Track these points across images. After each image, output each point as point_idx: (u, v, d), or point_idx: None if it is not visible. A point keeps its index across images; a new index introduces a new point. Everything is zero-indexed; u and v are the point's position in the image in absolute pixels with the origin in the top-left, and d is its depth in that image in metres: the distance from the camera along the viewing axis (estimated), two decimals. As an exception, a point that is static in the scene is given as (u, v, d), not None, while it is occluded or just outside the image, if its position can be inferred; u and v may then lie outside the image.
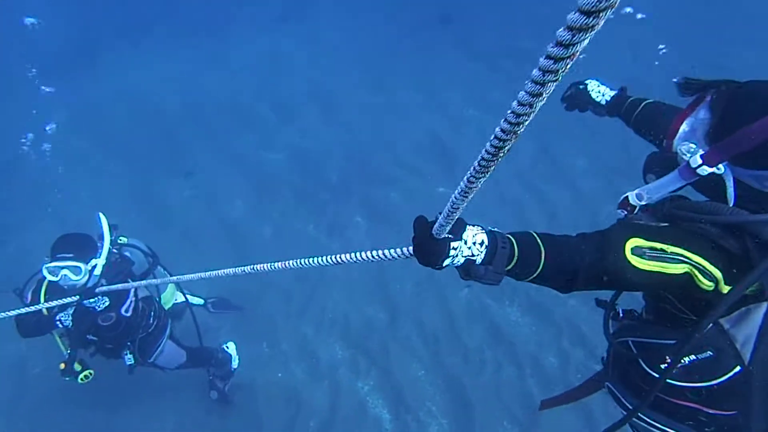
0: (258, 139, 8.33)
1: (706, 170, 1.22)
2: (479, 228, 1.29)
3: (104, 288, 3.29)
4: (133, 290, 3.71)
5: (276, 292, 5.85)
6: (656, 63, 7.93)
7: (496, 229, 1.33)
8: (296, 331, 5.43)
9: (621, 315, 1.70)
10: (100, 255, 3.49)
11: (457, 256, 1.24)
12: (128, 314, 3.69)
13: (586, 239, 1.31)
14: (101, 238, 3.56)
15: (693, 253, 1.22)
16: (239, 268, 1.88)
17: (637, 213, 1.42)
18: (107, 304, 3.49)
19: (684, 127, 1.31)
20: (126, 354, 3.82)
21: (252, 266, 1.78)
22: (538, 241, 1.30)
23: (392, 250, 1.40)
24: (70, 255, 3.39)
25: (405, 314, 5.52)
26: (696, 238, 1.25)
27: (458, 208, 1.08)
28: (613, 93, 2.17)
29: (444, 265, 1.25)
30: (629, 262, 1.22)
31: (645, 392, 1.45)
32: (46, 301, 3.46)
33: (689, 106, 1.32)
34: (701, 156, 1.22)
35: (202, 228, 6.74)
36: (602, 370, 1.82)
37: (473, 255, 1.26)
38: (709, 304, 1.25)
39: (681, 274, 1.22)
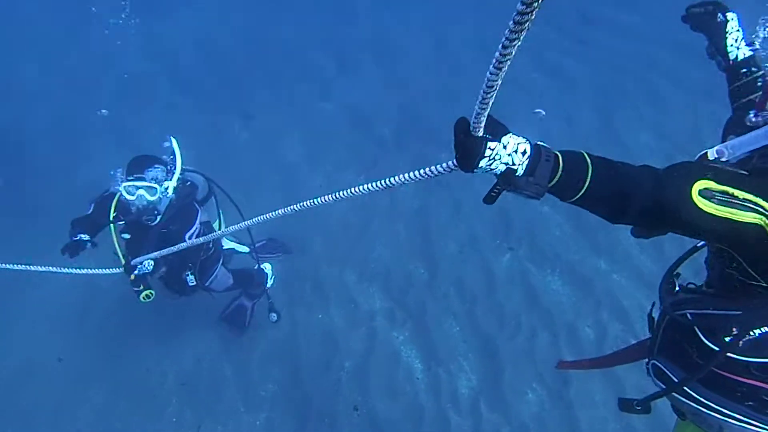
0: (317, 88, 8.40)
1: None
2: (523, 138, 1.21)
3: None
4: (198, 217, 3.91)
5: (322, 239, 6.05)
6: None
7: (542, 143, 1.24)
8: (339, 278, 5.63)
9: (678, 289, 1.58)
10: (172, 177, 3.67)
11: (494, 160, 1.17)
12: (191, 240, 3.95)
13: (649, 168, 1.22)
14: (172, 161, 3.73)
15: (762, 199, 1.12)
16: (295, 205, 1.95)
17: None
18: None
19: None
20: (188, 275, 4.06)
21: (306, 202, 1.83)
22: (587, 158, 1.22)
23: (437, 166, 1.39)
24: (147, 176, 3.57)
25: (445, 272, 5.61)
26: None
27: (487, 103, 1.08)
28: (749, 53, 1.82)
29: (479, 166, 1.18)
30: (694, 202, 1.13)
31: (699, 366, 1.35)
32: (115, 216, 3.70)
33: None
34: None
35: (256, 171, 6.96)
36: (641, 345, 1.71)
37: (514, 164, 1.18)
38: None
39: (751, 224, 1.12)
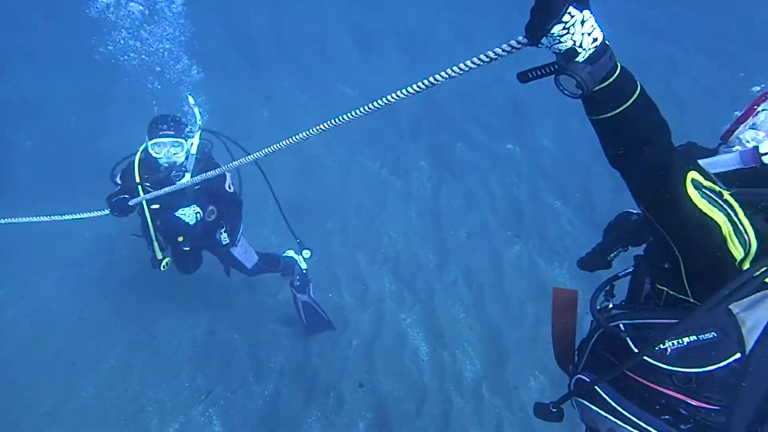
0: (337, 72, 8.48)
1: None
2: (598, 26, 1.09)
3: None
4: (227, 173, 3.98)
5: (336, 220, 6.18)
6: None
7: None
8: (351, 259, 5.76)
9: (611, 306, 1.52)
10: (194, 134, 3.72)
11: (568, 31, 1.05)
12: (231, 189, 4.05)
13: (670, 133, 1.21)
14: (192, 119, 3.77)
15: (742, 210, 1.15)
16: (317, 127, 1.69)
17: None
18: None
19: (761, 117, 1.28)
20: (221, 233, 4.12)
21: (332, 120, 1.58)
22: (638, 82, 1.17)
23: (503, 45, 1.21)
24: (172, 132, 3.61)
25: (454, 260, 5.72)
26: (749, 204, 1.19)
27: None
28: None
29: (551, 32, 1.05)
30: (686, 186, 1.14)
31: (614, 366, 1.34)
32: (140, 179, 3.71)
33: (750, 107, 1.27)
34: None
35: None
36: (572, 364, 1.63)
37: (581, 46, 1.07)
38: (720, 282, 1.16)
39: (719, 228, 1.13)
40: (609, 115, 1.15)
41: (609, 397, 1.36)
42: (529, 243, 5.83)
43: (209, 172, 2.39)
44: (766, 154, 1.15)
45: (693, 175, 1.15)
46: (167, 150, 3.63)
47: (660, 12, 9.01)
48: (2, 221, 3.35)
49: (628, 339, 1.31)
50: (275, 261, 4.78)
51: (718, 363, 1.18)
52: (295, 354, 4.81)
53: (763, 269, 1.12)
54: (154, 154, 3.64)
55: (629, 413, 1.32)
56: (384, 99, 1.46)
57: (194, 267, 4.35)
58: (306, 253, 4.76)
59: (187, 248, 4.01)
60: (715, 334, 1.19)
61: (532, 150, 7.27)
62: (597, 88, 1.12)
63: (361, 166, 6.99)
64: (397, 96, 1.45)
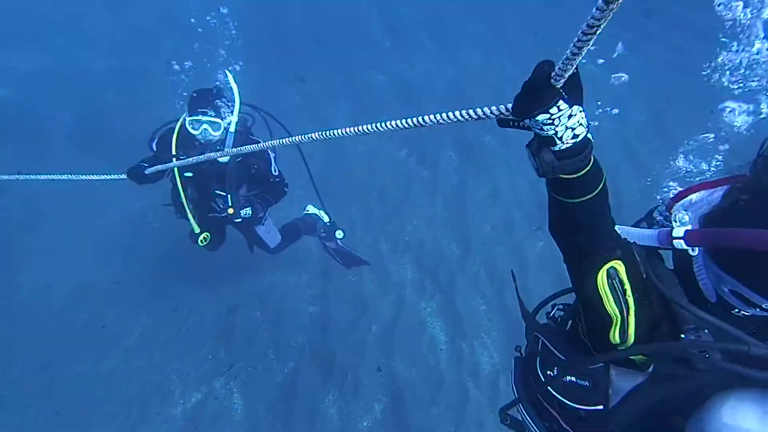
0: (368, 57, 8.48)
1: (681, 245, 1.15)
2: (586, 124, 1.07)
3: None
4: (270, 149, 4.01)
5: (359, 208, 6.22)
6: None
7: (591, 137, 1.12)
8: (373, 245, 5.81)
9: (553, 315, 1.70)
10: (233, 113, 3.72)
11: (552, 122, 1.03)
12: (276, 173, 4.10)
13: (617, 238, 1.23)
14: (231, 96, 3.76)
15: (635, 311, 1.18)
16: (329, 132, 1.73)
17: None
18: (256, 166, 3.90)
19: (693, 197, 1.25)
20: (248, 210, 4.12)
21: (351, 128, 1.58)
22: (602, 182, 1.15)
23: (487, 108, 1.22)
24: (210, 111, 3.63)
25: (477, 251, 5.72)
26: (648, 305, 1.21)
27: (581, 50, 0.96)
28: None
29: (536, 118, 1.03)
30: (597, 277, 1.17)
31: (531, 388, 1.52)
32: (177, 149, 3.75)
33: (713, 181, 1.23)
34: (686, 231, 1.15)
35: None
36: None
37: (560, 139, 1.05)
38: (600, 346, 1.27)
39: (609, 317, 1.19)
40: (560, 198, 1.16)
41: (528, 415, 1.53)
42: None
43: (243, 147, 2.39)
44: (676, 238, 1.15)
45: (614, 264, 1.17)
46: (204, 128, 3.66)
47: None
48: (25, 177, 3.43)
49: (537, 358, 1.49)
50: (296, 232, 4.87)
51: (585, 406, 1.34)
52: (315, 335, 4.90)
53: (630, 353, 1.20)
54: (191, 131, 3.68)
55: (530, 416, 1.51)
56: (370, 126, 1.52)
57: (218, 243, 4.43)
58: (339, 234, 4.83)
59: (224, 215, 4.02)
60: (588, 384, 1.34)
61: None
62: (567, 177, 1.11)
63: (389, 154, 7.00)
64: (382, 127, 1.49)
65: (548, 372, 1.44)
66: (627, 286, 1.17)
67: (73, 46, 8.09)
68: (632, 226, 1.39)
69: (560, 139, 1.05)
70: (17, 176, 3.42)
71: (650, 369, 1.22)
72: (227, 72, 3.79)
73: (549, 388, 1.41)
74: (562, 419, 1.42)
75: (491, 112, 1.20)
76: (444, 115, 1.33)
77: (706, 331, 1.11)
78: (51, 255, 5.28)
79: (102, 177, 3.51)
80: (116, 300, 4.97)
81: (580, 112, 1.06)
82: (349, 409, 4.38)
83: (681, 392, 1.18)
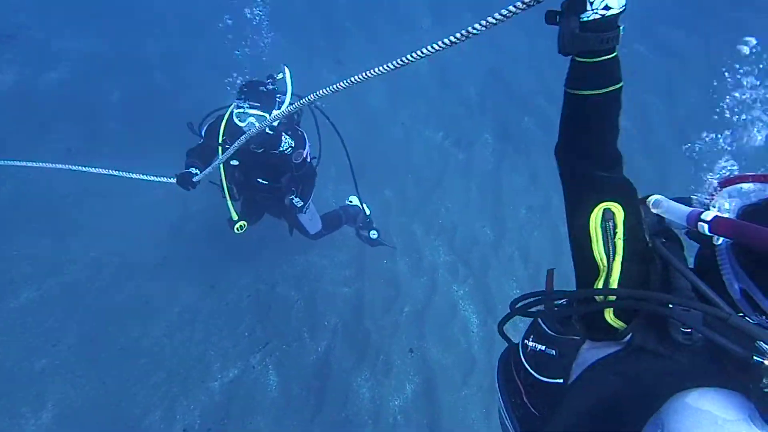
0: (409, 40, 8.39)
1: (704, 230, 1.06)
2: (623, 2, 1.05)
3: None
4: (306, 138, 4.05)
5: (393, 190, 6.23)
6: None
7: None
8: (407, 228, 5.82)
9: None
10: (281, 107, 3.70)
11: None
12: (309, 159, 4.16)
13: (619, 156, 1.20)
14: (284, 90, 3.74)
15: (620, 264, 1.12)
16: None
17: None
18: (292, 147, 3.88)
19: (744, 186, 1.15)
20: (294, 198, 4.23)
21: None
22: (621, 83, 1.13)
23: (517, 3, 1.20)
24: (258, 104, 3.65)
25: (512, 236, 5.66)
26: (639, 262, 1.14)
27: None
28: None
29: None
30: (590, 214, 1.15)
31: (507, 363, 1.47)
32: (223, 138, 3.82)
33: (748, 176, 1.15)
34: (715, 216, 1.05)
35: (339, 113, 7.18)
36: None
37: (591, 3, 1.03)
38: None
39: (596, 264, 1.14)
40: (573, 91, 1.13)
41: (498, 388, 1.49)
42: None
43: (271, 117, 2.34)
44: (702, 221, 1.06)
45: (612, 206, 1.13)
46: (250, 120, 3.68)
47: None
48: (77, 168, 3.57)
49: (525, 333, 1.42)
50: (337, 222, 4.94)
51: (545, 377, 1.27)
52: (349, 316, 4.98)
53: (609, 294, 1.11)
54: (238, 122, 3.71)
55: (499, 380, 1.49)
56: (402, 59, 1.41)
57: (254, 221, 4.53)
58: (373, 234, 4.93)
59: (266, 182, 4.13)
60: (554, 353, 1.27)
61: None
62: (580, 59, 1.08)
63: (424, 136, 6.97)
64: (419, 54, 1.38)
65: (525, 340, 1.37)
66: (620, 230, 1.12)
67: (124, 29, 8.32)
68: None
69: (592, 3, 1.02)
70: (69, 167, 3.57)
71: (626, 338, 1.11)
72: (285, 67, 3.74)
73: (520, 354, 1.36)
74: (524, 393, 1.36)
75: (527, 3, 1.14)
76: (480, 23, 1.27)
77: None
78: (98, 230, 5.52)
79: (152, 178, 3.63)
80: (159, 276, 5.17)
81: None
82: (381, 389, 4.46)
83: (645, 374, 1.05)
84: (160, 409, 4.24)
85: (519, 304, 1.42)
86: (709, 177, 1.32)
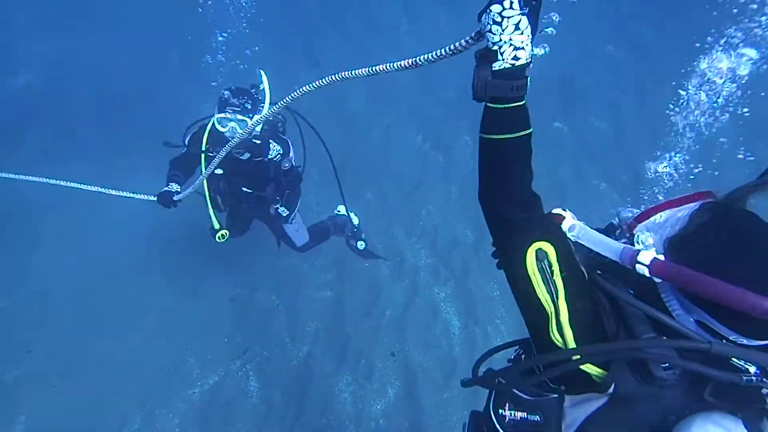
0: (385, 41, 8.41)
1: (644, 272, 1.06)
2: (530, 55, 1.11)
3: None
4: (291, 145, 4.06)
5: (374, 193, 6.23)
6: None
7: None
8: (387, 231, 5.82)
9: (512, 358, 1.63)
10: (261, 112, 3.71)
11: (500, 24, 1.07)
12: (296, 165, 4.16)
13: (537, 197, 1.23)
14: (258, 95, 3.77)
15: (565, 300, 1.12)
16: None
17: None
18: (281, 153, 3.88)
19: (657, 217, 1.17)
20: (278, 207, 4.22)
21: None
22: (530, 129, 1.17)
23: (455, 44, 1.25)
24: (239, 109, 3.66)
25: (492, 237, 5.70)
26: (583, 296, 1.15)
27: None
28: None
29: (491, 7, 1.08)
30: (525, 252, 1.16)
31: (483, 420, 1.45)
32: (207, 146, 3.80)
33: (679, 199, 1.16)
34: (654, 259, 1.06)
35: (319, 115, 7.13)
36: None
37: (501, 53, 1.09)
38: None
39: (543, 308, 1.14)
40: (488, 137, 1.18)
41: None
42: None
43: (252, 122, 2.35)
44: (641, 264, 1.07)
45: (543, 246, 1.16)
46: (231, 125, 3.68)
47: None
48: (55, 182, 3.49)
49: (492, 399, 1.41)
50: (325, 233, 4.93)
51: None
52: (330, 321, 4.96)
53: (577, 357, 1.09)
54: (220, 128, 3.71)
55: None
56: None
57: (240, 233, 4.52)
58: (360, 244, 4.93)
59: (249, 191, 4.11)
60: (539, 419, 1.26)
61: (580, 129, 7.08)
62: (493, 105, 1.15)
63: (404, 139, 6.98)
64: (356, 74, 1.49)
65: (500, 411, 1.35)
66: (555, 267, 1.14)
67: (93, 31, 8.16)
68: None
69: (502, 54, 1.10)
70: (47, 180, 3.49)
71: (611, 390, 1.09)
72: (261, 72, 3.74)
73: (498, 428, 1.33)
74: None
75: (465, 43, 1.22)
76: (426, 56, 1.32)
77: (664, 337, 1.05)
78: (73, 236, 5.41)
79: (132, 195, 3.59)
80: (136, 282, 5.09)
81: (529, 39, 1.10)
82: (362, 393, 4.45)
83: (643, 420, 1.07)
84: (138, 417, 4.17)
85: (483, 372, 1.44)
86: (619, 210, 1.34)
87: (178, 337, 4.71)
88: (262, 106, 3.73)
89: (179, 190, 3.79)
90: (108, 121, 6.68)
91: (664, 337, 1.05)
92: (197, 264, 5.27)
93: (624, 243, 1.16)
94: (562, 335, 1.11)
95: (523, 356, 1.58)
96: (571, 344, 1.10)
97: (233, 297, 5.07)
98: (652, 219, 1.18)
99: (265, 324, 4.90)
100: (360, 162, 6.56)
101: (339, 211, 5.11)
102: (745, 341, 0.99)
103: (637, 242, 1.15)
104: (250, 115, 3.71)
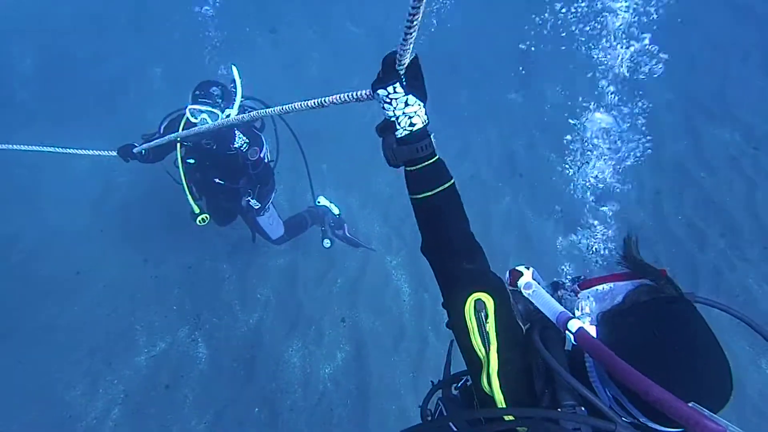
0: (344, 8, 8.24)
1: (571, 339, 1.12)
2: (425, 118, 1.25)
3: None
4: (264, 140, 4.09)
5: (330, 163, 6.20)
6: None
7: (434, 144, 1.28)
8: (342, 201, 5.81)
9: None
10: (233, 105, 3.75)
11: (390, 103, 1.22)
12: (267, 160, 4.14)
13: (477, 247, 1.30)
14: (233, 88, 3.79)
15: (497, 353, 1.16)
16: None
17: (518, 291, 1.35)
18: (247, 143, 3.90)
19: (600, 288, 1.20)
20: (250, 199, 4.23)
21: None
22: (451, 180, 1.28)
23: (356, 92, 1.39)
24: (210, 101, 3.67)
25: (445, 208, 5.78)
26: (515, 350, 1.19)
27: (407, 42, 1.14)
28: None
29: (377, 92, 1.23)
30: (466, 301, 1.21)
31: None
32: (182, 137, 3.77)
33: (627, 273, 1.19)
34: (581, 329, 1.10)
35: (276, 85, 7.02)
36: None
37: (399, 123, 1.24)
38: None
39: (478, 356, 1.18)
40: (417, 196, 1.28)
41: None
42: (519, 196, 5.87)
43: (220, 122, 2.44)
44: (569, 330, 1.13)
45: (483, 297, 1.20)
46: (202, 117, 3.68)
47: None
48: (14, 147, 3.40)
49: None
50: (302, 225, 4.93)
51: None
52: (281, 288, 4.98)
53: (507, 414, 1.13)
54: (191, 119, 3.70)
55: None
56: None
57: (228, 220, 4.51)
58: (326, 243, 4.94)
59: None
60: None
61: (534, 100, 7.17)
62: (408, 168, 1.27)
63: (359, 111, 6.90)
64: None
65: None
66: (491, 318, 1.18)
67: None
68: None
69: (399, 123, 1.24)
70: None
71: None
72: (232, 66, 3.80)
73: None
74: None
75: (360, 96, 1.35)
76: (319, 100, 1.49)
77: (583, 408, 1.08)
78: (16, 202, 5.22)
79: (91, 152, 3.55)
80: (84, 249, 4.97)
81: (420, 107, 1.24)
82: (311, 358, 4.51)
83: None
84: (81, 384, 4.12)
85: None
86: (567, 274, 1.39)
87: (124, 304, 4.65)
88: (235, 99, 3.77)
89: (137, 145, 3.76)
90: (47, 87, 6.40)
91: (582, 407, 1.09)
92: (148, 232, 5.17)
93: (564, 308, 1.22)
94: (490, 385, 1.15)
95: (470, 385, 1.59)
96: (498, 395, 1.13)
97: (191, 266, 5.01)
98: (594, 288, 1.21)
99: (215, 292, 4.88)
100: (316, 134, 6.50)
101: (319, 202, 5.10)
102: (651, 425, 1.02)
103: (577, 308, 1.20)
104: (222, 108, 3.73)
